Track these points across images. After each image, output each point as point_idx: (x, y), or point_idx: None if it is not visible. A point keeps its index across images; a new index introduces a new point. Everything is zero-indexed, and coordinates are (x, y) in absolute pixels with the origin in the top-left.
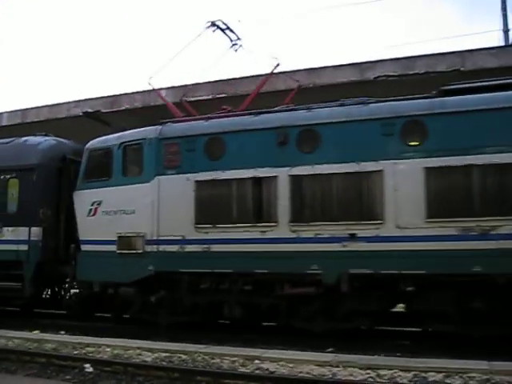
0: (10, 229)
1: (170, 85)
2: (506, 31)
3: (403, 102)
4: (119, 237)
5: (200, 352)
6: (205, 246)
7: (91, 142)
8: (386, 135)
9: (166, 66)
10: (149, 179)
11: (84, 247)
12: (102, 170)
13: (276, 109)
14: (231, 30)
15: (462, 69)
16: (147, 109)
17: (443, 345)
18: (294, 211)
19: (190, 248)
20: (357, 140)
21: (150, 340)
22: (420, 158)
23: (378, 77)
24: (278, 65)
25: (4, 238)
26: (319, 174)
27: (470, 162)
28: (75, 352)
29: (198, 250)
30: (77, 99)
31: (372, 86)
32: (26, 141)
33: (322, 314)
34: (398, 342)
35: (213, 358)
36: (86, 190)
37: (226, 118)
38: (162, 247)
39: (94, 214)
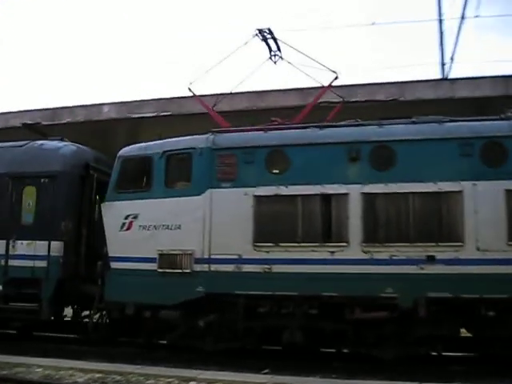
0: (25, 242)
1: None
2: (442, 64)
3: (482, 122)
4: (161, 254)
5: (135, 373)
6: (266, 266)
7: (125, 150)
8: (465, 155)
9: (208, 72)
10: (199, 192)
11: (115, 265)
12: (138, 180)
13: (343, 123)
14: (275, 40)
15: (401, 99)
16: (90, 123)
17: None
18: (366, 231)
19: (247, 268)
20: (434, 159)
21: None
22: (500, 179)
23: (321, 102)
24: (336, 78)
25: (17, 253)
26: (394, 193)
27: None
28: (4, 372)
29: (256, 270)
30: (16, 110)
31: (316, 111)
32: (43, 145)
33: (393, 340)
34: (335, 365)
35: (147, 379)
36: (118, 202)
37: (288, 130)
38: (214, 266)
39: (128, 229)
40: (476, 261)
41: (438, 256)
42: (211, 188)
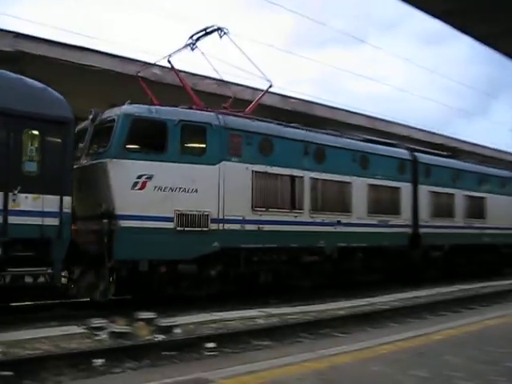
0: (31, 196)
1: None
2: None
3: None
4: (179, 214)
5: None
6: (260, 225)
7: (133, 109)
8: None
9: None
10: (214, 162)
11: (126, 223)
12: (151, 142)
13: (305, 128)
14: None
15: None
16: None
17: None
18: (312, 203)
19: (248, 227)
20: (342, 160)
21: None
22: (366, 177)
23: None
24: (270, 86)
25: (20, 209)
26: (325, 179)
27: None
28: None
29: (254, 228)
30: None
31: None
32: (26, 80)
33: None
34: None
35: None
36: (128, 161)
37: (272, 124)
38: (226, 226)
39: (141, 188)
40: (356, 224)
41: (342, 220)
42: (224, 161)
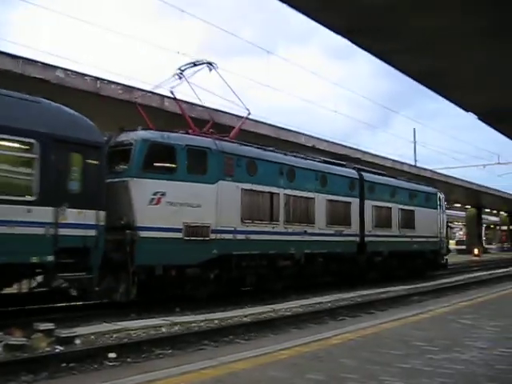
0: (76, 211)
1: None
2: None
3: (321, 163)
4: (186, 226)
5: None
6: (247, 235)
7: (148, 135)
8: (316, 179)
9: None
10: (213, 182)
11: (144, 233)
12: (164, 163)
13: (281, 151)
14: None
15: None
16: None
17: None
18: (285, 215)
19: (238, 236)
20: (308, 179)
21: None
22: (325, 194)
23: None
24: (249, 114)
25: (67, 222)
26: (295, 196)
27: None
28: None
29: (243, 238)
30: None
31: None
32: (61, 107)
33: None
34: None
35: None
36: (146, 180)
37: (256, 148)
38: (222, 235)
39: (156, 203)
40: (318, 234)
41: (308, 230)
42: (220, 180)
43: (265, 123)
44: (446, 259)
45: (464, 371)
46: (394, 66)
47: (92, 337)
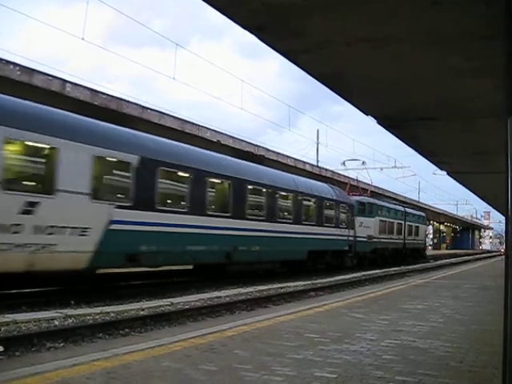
0: (342, 229)
1: None
2: None
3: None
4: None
5: None
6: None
7: (358, 199)
8: None
9: None
10: (373, 216)
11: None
12: (364, 210)
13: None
14: None
15: None
16: None
17: None
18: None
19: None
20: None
21: None
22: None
23: None
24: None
25: (339, 233)
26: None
27: None
28: None
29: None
30: None
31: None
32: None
33: None
34: None
35: None
36: (361, 217)
37: (387, 203)
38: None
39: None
40: (402, 238)
41: (400, 237)
42: (376, 216)
43: (170, 115)
44: (426, 253)
45: (352, 361)
46: (299, 65)
47: None
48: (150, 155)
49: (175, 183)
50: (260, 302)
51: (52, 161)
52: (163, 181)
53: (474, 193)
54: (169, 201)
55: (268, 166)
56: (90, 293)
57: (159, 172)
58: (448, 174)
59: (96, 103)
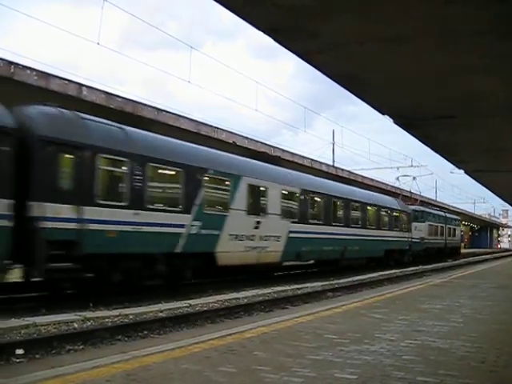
0: (405, 232)
1: None
2: None
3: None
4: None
5: None
6: None
7: (414, 208)
8: None
9: None
10: (424, 221)
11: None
12: (417, 217)
13: None
14: None
15: None
16: None
17: None
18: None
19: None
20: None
21: None
22: None
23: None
24: None
25: (403, 236)
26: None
27: None
28: None
29: None
30: None
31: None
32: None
33: None
34: None
35: None
36: (416, 223)
37: (434, 210)
38: None
39: (414, 230)
40: (442, 238)
41: (442, 238)
42: (426, 221)
43: (186, 117)
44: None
45: (373, 362)
46: (314, 66)
47: None
48: (307, 187)
49: (318, 206)
50: (278, 302)
51: (265, 196)
52: (313, 205)
53: (492, 191)
54: (315, 217)
55: (283, 167)
56: (106, 296)
57: (309, 199)
58: (466, 172)
59: (112, 106)
